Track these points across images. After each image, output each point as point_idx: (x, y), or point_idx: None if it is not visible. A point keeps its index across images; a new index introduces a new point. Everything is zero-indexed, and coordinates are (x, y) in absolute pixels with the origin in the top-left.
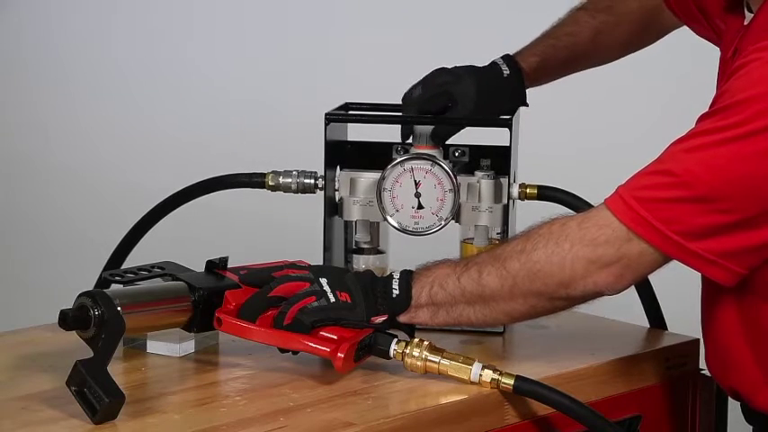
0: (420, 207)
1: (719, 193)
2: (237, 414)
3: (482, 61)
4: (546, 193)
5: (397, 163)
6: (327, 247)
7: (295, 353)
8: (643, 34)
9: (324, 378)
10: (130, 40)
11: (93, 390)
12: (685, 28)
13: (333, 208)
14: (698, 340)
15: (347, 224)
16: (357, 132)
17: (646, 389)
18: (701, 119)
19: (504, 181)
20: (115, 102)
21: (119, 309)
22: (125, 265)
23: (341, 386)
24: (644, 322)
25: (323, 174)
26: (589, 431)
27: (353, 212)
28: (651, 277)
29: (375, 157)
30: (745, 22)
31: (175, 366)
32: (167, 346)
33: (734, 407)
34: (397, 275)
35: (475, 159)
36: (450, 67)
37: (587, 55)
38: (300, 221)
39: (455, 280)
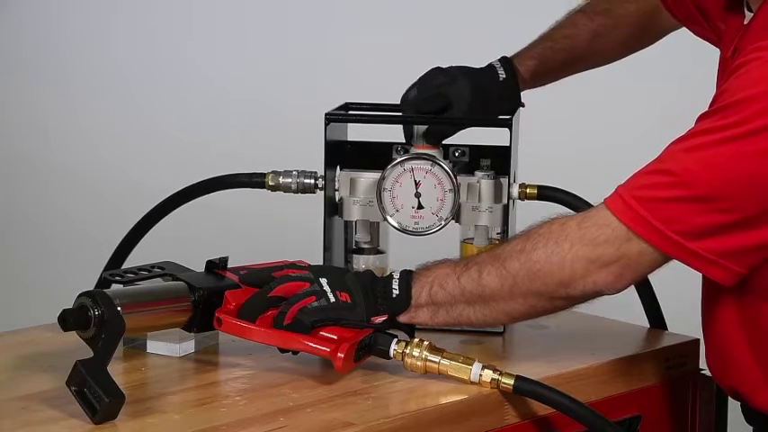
0: (420, 207)
1: (719, 192)
2: (237, 414)
3: (481, 62)
4: (546, 193)
5: (397, 163)
6: (327, 247)
7: (295, 353)
8: (641, 37)
9: (324, 378)
10: (130, 40)
11: (93, 390)
12: (684, 28)
13: (333, 208)
14: (698, 340)
15: (347, 224)
16: (357, 132)
17: (646, 389)
18: (701, 118)
19: (504, 181)
20: (115, 102)
21: (119, 309)
22: (125, 266)
23: (341, 386)
24: (644, 322)
25: (323, 174)
26: (589, 431)
27: (353, 212)
28: (651, 277)
29: (375, 157)
30: (745, 22)
31: (175, 366)
32: (167, 346)
33: (734, 407)
34: (396, 275)
35: (475, 159)
36: (445, 66)
37: (585, 57)
38: (300, 221)
39: (455, 280)
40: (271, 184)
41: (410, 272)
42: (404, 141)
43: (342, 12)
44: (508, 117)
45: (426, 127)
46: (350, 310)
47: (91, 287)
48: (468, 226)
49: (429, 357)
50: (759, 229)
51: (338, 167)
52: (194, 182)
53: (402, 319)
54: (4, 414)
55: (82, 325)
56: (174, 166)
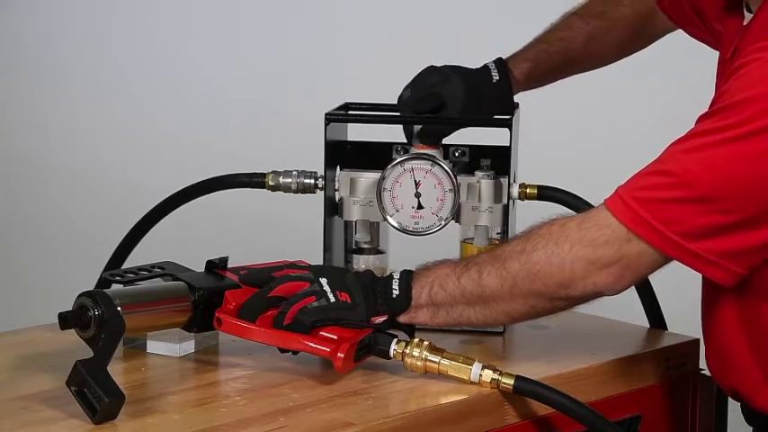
0: (420, 207)
1: (719, 193)
2: (237, 414)
3: (479, 63)
4: (546, 193)
5: (397, 163)
6: (327, 247)
7: (295, 353)
8: (636, 39)
9: (324, 378)
10: (130, 40)
11: (93, 390)
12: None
13: (333, 208)
14: (698, 340)
15: (347, 224)
16: (357, 132)
17: (646, 389)
18: (701, 119)
19: (504, 181)
20: (115, 102)
21: (119, 309)
22: (125, 266)
23: (341, 386)
24: (644, 322)
25: (323, 174)
26: (589, 431)
27: (353, 212)
28: (651, 277)
29: (375, 157)
30: (745, 23)
31: (175, 366)
32: (167, 346)
33: (734, 407)
34: (397, 275)
35: (475, 159)
36: (439, 65)
37: (580, 60)
38: (300, 221)
39: (455, 280)
40: (271, 184)
41: (410, 272)
42: (404, 141)
43: (342, 12)
44: (508, 117)
45: (421, 126)
46: (350, 310)
47: (91, 287)
48: (468, 226)
49: (429, 357)
50: (759, 230)
51: (338, 167)
52: (194, 182)
53: (402, 319)
54: (4, 414)
55: (82, 325)
56: (174, 166)
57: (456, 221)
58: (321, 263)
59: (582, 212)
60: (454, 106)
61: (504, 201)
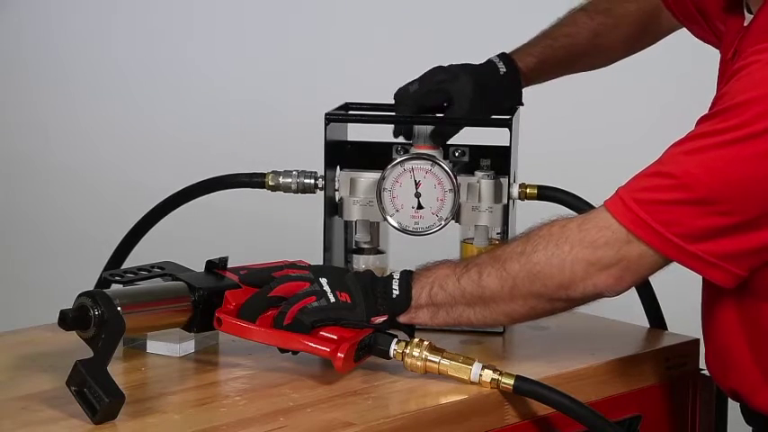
0: (420, 207)
1: (719, 195)
2: (237, 414)
3: (481, 61)
4: (546, 194)
5: (397, 163)
6: (327, 247)
7: (295, 353)
8: (641, 36)
9: (324, 378)
10: (130, 40)
11: (93, 390)
12: (684, 29)
13: (333, 208)
14: (698, 340)
15: (347, 224)
16: (357, 132)
17: (646, 389)
18: (701, 121)
19: (504, 181)
20: (115, 102)
21: (119, 309)
22: (125, 266)
23: (341, 386)
24: (644, 322)
25: (323, 174)
26: (589, 431)
27: (353, 212)
28: (651, 278)
29: (375, 157)
30: (745, 23)
31: (175, 366)
32: (167, 346)
33: (734, 407)
34: (397, 276)
35: (475, 159)
36: (446, 65)
37: (585, 56)
38: (300, 221)
39: (455, 281)
40: (271, 184)
41: (410, 272)
42: (404, 141)
43: (342, 12)
44: (508, 117)
45: (432, 128)
46: (350, 310)
47: (91, 287)
48: (468, 226)
49: (429, 357)
50: (759, 232)
51: (338, 167)
52: (194, 182)
53: (402, 319)
54: (4, 414)
55: (82, 325)
56: (174, 166)
57: (456, 221)
58: (321, 263)
59: (582, 213)
60: (462, 104)
61: (504, 201)
